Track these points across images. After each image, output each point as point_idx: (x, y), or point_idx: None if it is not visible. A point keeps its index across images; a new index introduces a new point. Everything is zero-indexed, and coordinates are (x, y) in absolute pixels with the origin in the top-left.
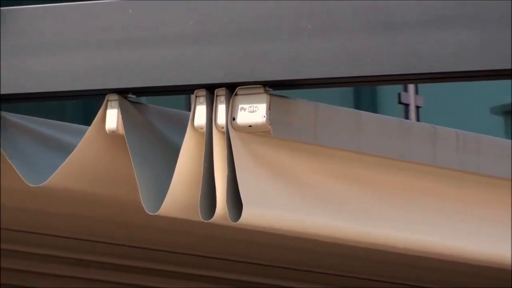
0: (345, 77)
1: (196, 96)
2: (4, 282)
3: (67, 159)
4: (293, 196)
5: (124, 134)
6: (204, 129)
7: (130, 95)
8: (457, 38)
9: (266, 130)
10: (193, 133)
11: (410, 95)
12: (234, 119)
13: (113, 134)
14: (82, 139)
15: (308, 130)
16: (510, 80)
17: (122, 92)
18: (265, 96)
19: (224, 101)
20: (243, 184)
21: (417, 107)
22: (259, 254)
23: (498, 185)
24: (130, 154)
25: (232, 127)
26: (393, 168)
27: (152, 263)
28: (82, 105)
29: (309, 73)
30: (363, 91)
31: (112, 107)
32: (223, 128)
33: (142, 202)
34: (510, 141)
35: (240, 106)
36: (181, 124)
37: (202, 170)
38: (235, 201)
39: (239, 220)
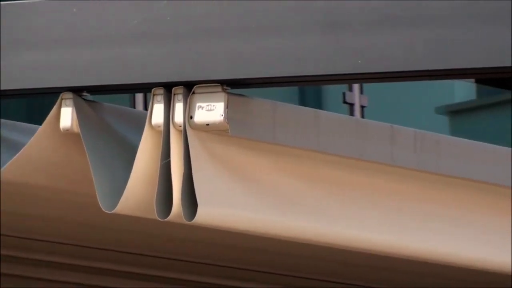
0: (298, 76)
1: (154, 95)
2: None
3: (17, 155)
4: (251, 195)
5: (80, 132)
6: (162, 128)
7: (84, 94)
8: (403, 38)
9: (223, 128)
10: (151, 132)
11: (355, 95)
12: (191, 117)
13: (67, 132)
14: (34, 135)
15: (267, 129)
16: (454, 80)
17: (77, 91)
18: (222, 95)
19: (182, 100)
20: (199, 183)
21: (362, 107)
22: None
23: (458, 184)
24: (86, 152)
25: (190, 125)
26: (352, 167)
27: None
28: (26, 104)
29: (265, 72)
30: (308, 90)
31: (66, 106)
32: (180, 126)
33: (98, 201)
34: (468, 141)
35: (197, 104)
36: (137, 123)
37: (159, 169)
38: (192, 200)
39: (194, 220)
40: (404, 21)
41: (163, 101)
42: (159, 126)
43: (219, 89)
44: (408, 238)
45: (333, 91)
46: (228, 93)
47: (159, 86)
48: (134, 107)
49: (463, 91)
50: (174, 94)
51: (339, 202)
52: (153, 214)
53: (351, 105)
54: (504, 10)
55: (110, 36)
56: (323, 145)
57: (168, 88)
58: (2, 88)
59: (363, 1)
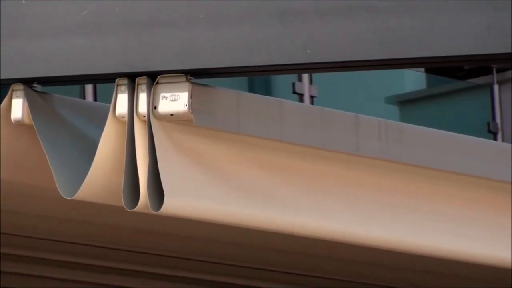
0: (258, 65)
1: (118, 85)
2: None
3: None
4: (216, 185)
5: (33, 122)
6: (126, 118)
7: (35, 85)
8: (352, 28)
9: (188, 118)
10: (114, 121)
11: (305, 85)
12: (155, 108)
13: (19, 123)
14: None
15: (231, 119)
16: (404, 70)
17: (28, 82)
18: (187, 85)
19: (146, 90)
20: (165, 174)
21: (312, 97)
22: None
23: (420, 173)
24: (41, 142)
25: (154, 116)
26: (316, 157)
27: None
28: None
29: (229, 62)
30: (257, 80)
31: (17, 97)
32: (144, 117)
33: (57, 187)
34: (432, 129)
35: (161, 94)
36: (88, 113)
37: (124, 160)
38: (158, 191)
39: (160, 210)
40: (353, 10)
41: (127, 91)
42: (123, 117)
43: (183, 79)
44: (371, 228)
45: (282, 81)
46: (192, 83)
47: (122, 77)
48: (84, 98)
49: (413, 80)
50: (138, 84)
51: (302, 192)
52: (115, 201)
53: (301, 95)
54: None
55: (62, 27)
56: (287, 135)
57: (131, 78)
58: None
59: None
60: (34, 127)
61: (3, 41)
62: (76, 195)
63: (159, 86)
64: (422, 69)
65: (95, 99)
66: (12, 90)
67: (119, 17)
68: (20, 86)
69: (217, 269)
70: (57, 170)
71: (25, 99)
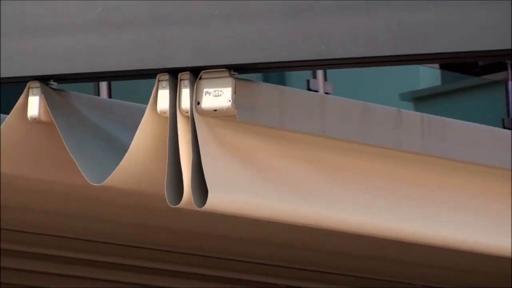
0: (299, 60)
1: (159, 80)
2: None
3: None
4: (258, 181)
5: (52, 118)
6: (168, 114)
7: (51, 82)
8: (366, 24)
9: (231, 114)
10: (152, 116)
11: (319, 82)
12: (198, 103)
13: (35, 121)
14: (2, 125)
15: (274, 114)
16: (419, 66)
17: (44, 79)
18: (230, 80)
19: (188, 85)
20: (208, 170)
21: (326, 94)
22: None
23: (462, 169)
24: (61, 136)
25: (197, 111)
26: (358, 152)
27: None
28: None
29: (274, 57)
30: (272, 77)
31: (33, 94)
32: (187, 112)
33: (84, 175)
34: (474, 124)
35: (205, 90)
36: (104, 109)
37: (167, 156)
38: (201, 187)
39: (205, 206)
40: (367, 6)
41: (168, 87)
42: (164, 112)
43: (227, 74)
44: (413, 223)
45: (297, 78)
46: (235, 78)
47: (164, 72)
48: (98, 95)
49: (428, 77)
50: (180, 80)
51: (344, 188)
52: (148, 187)
53: (315, 92)
54: None
55: (80, 24)
56: (329, 130)
57: (173, 74)
58: None
59: None
60: (54, 122)
61: (19, 39)
62: (105, 181)
63: (202, 82)
64: (437, 66)
65: (110, 96)
66: (29, 88)
67: (155, 12)
68: (36, 84)
69: (249, 267)
70: (81, 161)
71: (42, 96)
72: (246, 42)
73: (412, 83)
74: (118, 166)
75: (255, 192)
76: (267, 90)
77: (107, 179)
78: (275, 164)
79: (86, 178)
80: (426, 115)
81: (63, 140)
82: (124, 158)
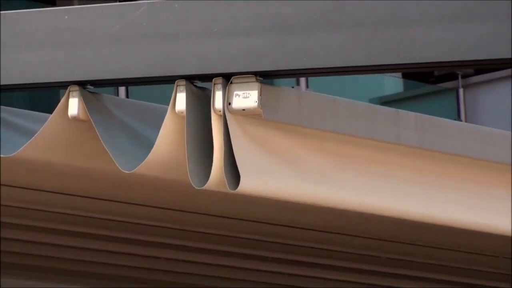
0: (314, 68)
1: (177, 85)
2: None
3: (33, 138)
4: (279, 168)
5: (89, 116)
6: (184, 113)
7: (89, 86)
8: (340, 39)
9: (257, 113)
10: (173, 116)
11: (302, 88)
12: (229, 104)
13: (75, 119)
14: (46, 122)
15: (293, 113)
16: (385, 75)
17: (82, 84)
18: (256, 84)
19: (221, 89)
20: (239, 158)
21: None
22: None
23: (446, 158)
24: (97, 131)
25: (228, 110)
26: (362, 144)
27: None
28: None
29: (293, 65)
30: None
31: (73, 97)
32: (220, 111)
33: (116, 164)
34: (455, 121)
35: (235, 92)
36: (131, 109)
37: (190, 146)
38: (232, 173)
39: (238, 188)
40: (341, 24)
41: (185, 91)
42: (182, 112)
43: (253, 79)
44: (407, 202)
45: (283, 84)
46: (261, 82)
47: (201, 78)
48: (117, 95)
49: (393, 84)
50: (214, 84)
51: (350, 173)
52: (175, 175)
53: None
54: (426, 13)
55: (116, 35)
56: (339, 127)
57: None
58: (19, 82)
59: (309, 1)
60: (91, 119)
61: (61, 50)
62: (137, 168)
63: (233, 86)
64: (400, 75)
65: (127, 96)
66: (69, 91)
67: (190, 26)
68: (76, 87)
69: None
70: (114, 151)
71: (81, 98)
72: (269, 52)
73: (379, 89)
74: (148, 156)
75: (276, 177)
76: (287, 93)
77: (138, 166)
78: (293, 154)
79: (118, 165)
80: (418, 114)
81: (98, 134)
82: (152, 150)
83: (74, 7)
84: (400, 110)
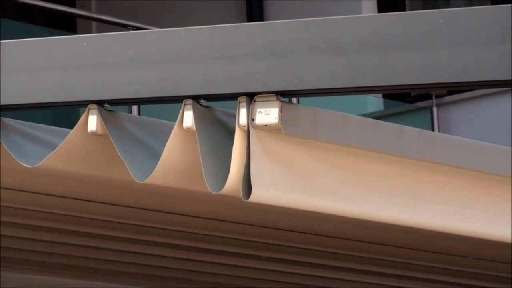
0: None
1: (185, 104)
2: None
3: (56, 149)
4: (297, 179)
5: (107, 131)
6: (193, 128)
7: (106, 105)
8: (326, 63)
9: (278, 128)
10: (179, 131)
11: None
12: (253, 120)
13: (93, 134)
14: (68, 136)
15: (308, 128)
16: (367, 95)
17: (100, 103)
18: (277, 103)
19: (246, 106)
20: (255, 171)
21: None
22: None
23: (446, 170)
24: (114, 144)
25: (252, 126)
26: (370, 157)
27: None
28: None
29: (309, 86)
30: None
31: (92, 114)
32: (244, 126)
33: (131, 174)
34: (454, 136)
35: (258, 110)
36: (144, 125)
37: (204, 153)
38: (249, 184)
39: (250, 198)
40: (327, 50)
41: (192, 109)
42: (188, 128)
43: (274, 98)
44: (408, 212)
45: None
46: (281, 101)
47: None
48: (130, 112)
49: (374, 103)
50: (239, 102)
51: (358, 185)
52: (183, 185)
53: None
54: (403, 40)
55: (135, 59)
56: (349, 140)
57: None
58: (44, 101)
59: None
60: (108, 134)
61: (81, 73)
62: (149, 178)
63: (256, 104)
64: (380, 95)
65: (139, 114)
66: (89, 109)
67: (193, 52)
68: (94, 106)
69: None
70: (129, 162)
71: (99, 115)
72: (289, 73)
73: (362, 107)
74: (156, 167)
75: (287, 188)
76: (304, 110)
77: (149, 177)
78: (306, 166)
79: (133, 176)
80: (421, 129)
81: (115, 147)
82: (159, 161)
83: (93, 35)
84: (404, 126)
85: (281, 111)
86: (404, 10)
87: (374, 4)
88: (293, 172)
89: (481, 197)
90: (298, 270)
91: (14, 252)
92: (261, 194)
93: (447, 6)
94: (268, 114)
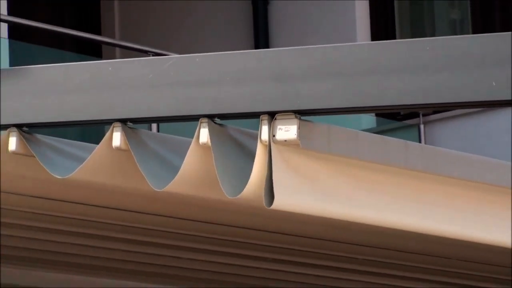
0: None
1: (201, 122)
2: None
3: (84, 162)
4: (314, 188)
5: (129, 146)
6: (206, 144)
7: (129, 123)
8: (325, 85)
9: (296, 143)
10: (196, 147)
11: None
12: (274, 136)
13: (117, 149)
14: (95, 150)
15: (324, 143)
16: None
17: (123, 121)
18: (296, 121)
19: (267, 124)
20: (277, 180)
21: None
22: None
23: (442, 180)
24: (134, 157)
25: (273, 141)
26: (378, 169)
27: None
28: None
29: (324, 105)
30: None
31: (116, 131)
32: (266, 142)
33: (148, 182)
34: (451, 150)
35: (278, 127)
36: (162, 141)
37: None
38: (271, 193)
39: (272, 205)
40: (326, 73)
41: (207, 127)
42: (204, 144)
43: (293, 116)
44: (413, 218)
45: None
46: (299, 119)
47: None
48: (150, 129)
49: (368, 120)
50: (261, 120)
51: (368, 193)
52: (202, 192)
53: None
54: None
55: (149, 83)
56: (360, 154)
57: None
58: (74, 119)
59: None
60: (130, 149)
61: (106, 94)
62: (168, 186)
63: (276, 121)
64: (373, 114)
65: (158, 131)
66: (113, 127)
67: (208, 75)
68: (118, 124)
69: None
70: (147, 173)
71: (122, 132)
72: (305, 95)
73: (356, 124)
74: (175, 178)
75: (309, 197)
76: (319, 127)
77: (167, 186)
78: (321, 177)
79: (151, 185)
80: (423, 145)
81: (135, 160)
82: (178, 172)
83: (117, 60)
84: (408, 141)
85: (299, 128)
86: (393, 8)
87: (366, 4)
88: (310, 182)
89: (480, 205)
90: (298, 270)
91: (48, 254)
92: (283, 201)
93: (431, 6)
94: (287, 130)
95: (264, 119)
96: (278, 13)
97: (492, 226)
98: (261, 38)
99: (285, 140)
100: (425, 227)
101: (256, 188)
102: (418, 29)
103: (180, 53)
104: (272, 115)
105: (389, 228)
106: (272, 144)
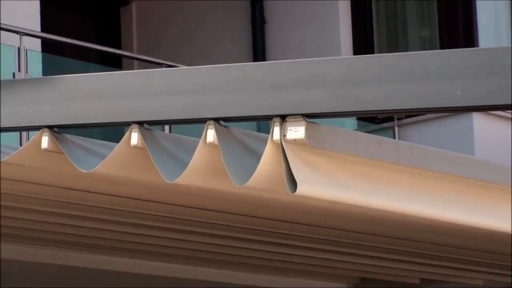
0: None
1: (208, 124)
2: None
3: (106, 158)
4: (322, 179)
5: (145, 145)
6: (213, 143)
7: (145, 125)
8: (331, 93)
9: (304, 143)
10: (204, 146)
11: None
12: (284, 136)
13: (135, 147)
14: (115, 148)
15: (328, 142)
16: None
17: (141, 123)
18: (304, 123)
19: (279, 125)
20: (295, 172)
21: None
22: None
23: (430, 175)
24: (150, 155)
25: (284, 140)
26: (375, 165)
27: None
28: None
29: (328, 109)
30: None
31: (134, 132)
32: (277, 141)
33: (162, 176)
34: (440, 149)
35: (288, 128)
36: (173, 140)
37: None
38: (290, 182)
39: (296, 192)
40: (333, 82)
41: (214, 128)
42: (211, 143)
43: (301, 119)
44: (406, 206)
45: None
46: (307, 121)
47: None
48: (163, 130)
49: (350, 124)
50: (274, 122)
51: (367, 185)
52: (208, 183)
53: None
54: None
55: (163, 91)
56: (360, 152)
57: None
58: (97, 121)
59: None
60: (146, 147)
61: (125, 100)
62: (177, 179)
63: (287, 123)
64: (355, 118)
65: (170, 131)
66: (131, 128)
67: (210, 84)
68: (136, 126)
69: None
70: (161, 167)
71: (139, 133)
72: (313, 100)
73: (341, 126)
74: (185, 171)
75: (322, 184)
76: (323, 128)
77: (177, 178)
78: (328, 169)
79: (164, 178)
80: (413, 144)
81: (150, 157)
82: (187, 167)
83: (135, 71)
84: (399, 141)
85: (306, 129)
86: (370, 8)
87: (348, 4)
88: (321, 173)
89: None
90: (294, 252)
91: (78, 237)
92: (305, 188)
93: (403, 5)
94: (296, 131)
95: (276, 121)
96: (273, 31)
97: (467, 207)
98: (258, 52)
99: (295, 140)
100: (414, 210)
101: (262, 179)
102: (394, 32)
103: (190, 65)
104: (283, 118)
105: (380, 211)
106: (283, 142)
